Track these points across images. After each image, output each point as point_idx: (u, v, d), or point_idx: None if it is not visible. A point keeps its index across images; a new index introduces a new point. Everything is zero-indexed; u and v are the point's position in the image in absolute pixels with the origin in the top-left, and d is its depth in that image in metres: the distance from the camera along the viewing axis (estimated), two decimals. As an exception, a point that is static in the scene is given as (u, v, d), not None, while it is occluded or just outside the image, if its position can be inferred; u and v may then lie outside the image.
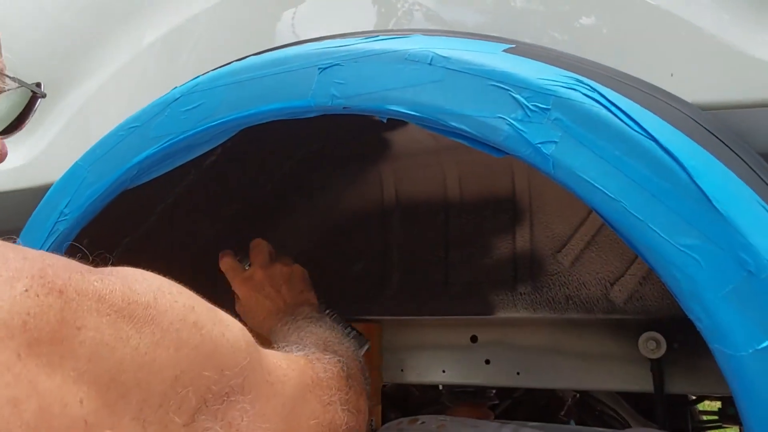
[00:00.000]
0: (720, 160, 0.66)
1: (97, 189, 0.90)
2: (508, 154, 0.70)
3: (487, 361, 1.28)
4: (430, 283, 1.24)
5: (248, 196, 1.20)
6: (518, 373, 1.25)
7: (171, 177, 0.92)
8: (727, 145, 0.71)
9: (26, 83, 0.65)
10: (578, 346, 1.23)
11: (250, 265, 1.14)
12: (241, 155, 1.02)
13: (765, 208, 0.64)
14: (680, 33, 0.80)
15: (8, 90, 0.62)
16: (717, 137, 0.72)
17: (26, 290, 0.46)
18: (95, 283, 0.50)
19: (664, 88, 0.79)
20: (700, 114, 0.76)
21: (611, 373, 1.21)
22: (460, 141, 0.73)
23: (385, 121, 0.77)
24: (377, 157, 1.22)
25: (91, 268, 0.52)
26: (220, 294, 1.34)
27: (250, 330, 0.64)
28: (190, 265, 1.18)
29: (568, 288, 1.17)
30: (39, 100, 0.67)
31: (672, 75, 0.80)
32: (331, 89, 0.77)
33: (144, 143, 0.88)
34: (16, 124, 0.68)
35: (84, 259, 0.58)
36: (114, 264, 1.03)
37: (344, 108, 0.77)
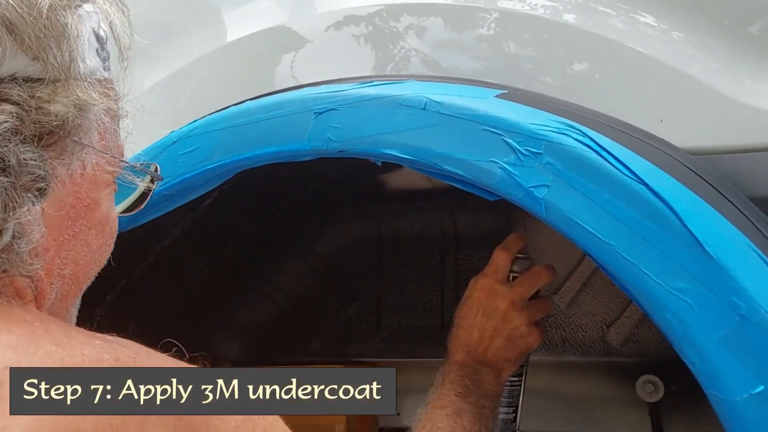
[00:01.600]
0: (710, 204, 0.67)
1: (93, 231, 0.90)
2: (500, 197, 0.71)
3: (485, 405, 1.26)
4: (426, 325, 1.24)
5: (245, 238, 1.20)
6: (516, 417, 1.23)
7: (168, 219, 0.93)
8: (716, 189, 0.72)
9: (142, 167, 0.66)
10: (576, 389, 1.22)
11: (517, 276, 0.91)
12: (238, 198, 1.03)
13: (755, 252, 0.64)
14: (670, 80, 0.82)
15: (125, 171, 0.63)
16: (706, 181, 0.72)
17: None
18: None
19: (654, 133, 0.81)
20: (690, 158, 0.77)
21: (609, 416, 1.19)
22: (453, 184, 0.74)
23: (379, 164, 0.78)
24: (373, 198, 1.22)
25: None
26: (215, 335, 1.34)
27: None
28: (186, 307, 1.18)
29: (564, 330, 1.16)
30: (156, 182, 0.69)
31: (662, 120, 0.81)
32: (326, 133, 0.78)
33: (141, 186, 0.88)
34: (137, 204, 0.69)
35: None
36: (111, 306, 1.03)
37: (340, 151, 0.78)
